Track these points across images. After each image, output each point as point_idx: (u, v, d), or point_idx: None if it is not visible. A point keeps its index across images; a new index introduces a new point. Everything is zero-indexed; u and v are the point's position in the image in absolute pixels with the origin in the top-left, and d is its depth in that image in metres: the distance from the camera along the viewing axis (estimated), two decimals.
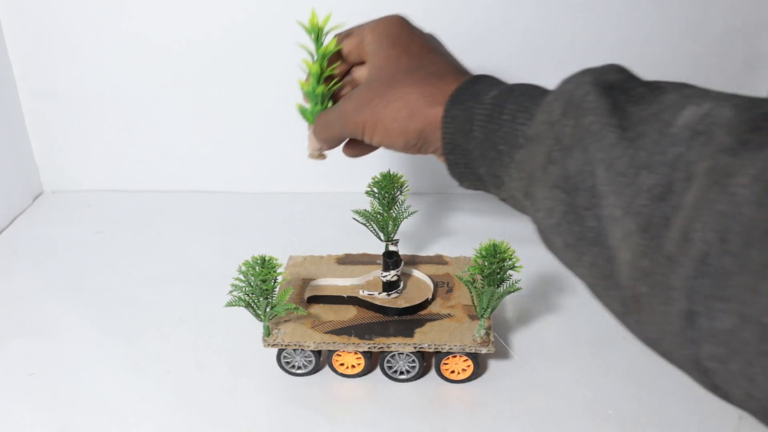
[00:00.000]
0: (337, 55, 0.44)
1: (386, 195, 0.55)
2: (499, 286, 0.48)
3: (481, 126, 0.34)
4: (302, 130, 0.49)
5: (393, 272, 0.54)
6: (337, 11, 0.72)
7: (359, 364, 0.52)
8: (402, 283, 0.55)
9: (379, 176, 0.55)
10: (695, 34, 0.74)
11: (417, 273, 0.58)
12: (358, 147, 0.46)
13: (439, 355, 0.51)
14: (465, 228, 0.74)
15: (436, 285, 0.57)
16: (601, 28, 0.73)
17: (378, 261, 0.59)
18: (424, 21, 0.73)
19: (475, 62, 0.75)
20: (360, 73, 0.46)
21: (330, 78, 0.44)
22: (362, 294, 0.54)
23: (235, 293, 0.48)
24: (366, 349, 0.50)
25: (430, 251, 0.67)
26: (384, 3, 0.72)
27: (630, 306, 0.27)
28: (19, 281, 0.65)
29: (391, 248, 0.56)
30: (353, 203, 0.60)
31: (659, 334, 0.26)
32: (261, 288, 0.47)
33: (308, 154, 0.47)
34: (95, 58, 0.75)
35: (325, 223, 0.75)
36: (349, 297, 0.54)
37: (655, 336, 0.27)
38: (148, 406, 0.50)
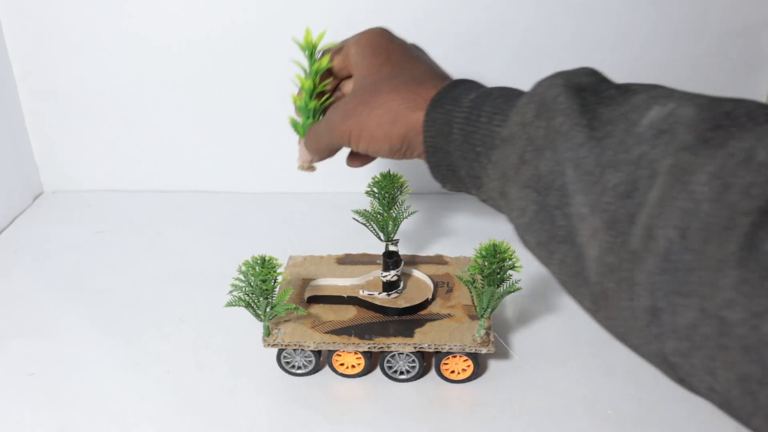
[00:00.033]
0: (329, 72, 0.46)
1: (386, 195, 0.55)
2: (499, 286, 0.48)
3: (460, 128, 0.35)
4: None
5: (393, 272, 0.54)
6: (337, 11, 0.72)
7: (359, 364, 0.52)
8: (402, 283, 0.55)
9: (379, 176, 0.55)
10: (695, 34, 0.74)
11: (417, 273, 0.58)
12: (360, 158, 0.48)
13: (439, 355, 0.51)
14: (465, 228, 0.74)
15: (436, 285, 0.57)
16: (601, 28, 0.73)
17: (378, 261, 0.59)
18: (424, 21, 0.73)
19: (475, 62, 0.75)
20: (348, 86, 0.47)
21: (321, 93, 0.46)
22: (362, 294, 0.54)
23: (235, 293, 0.48)
24: (366, 349, 0.50)
25: (430, 251, 0.67)
26: (384, 5, 0.72)
27: (599, 302, 0.28)
28: (19, 281, 0.65)
29: (391, 248, 0.56)
30: (353, 203, 0.60)
31: (627, 329, 0.27)
32: (261, 288, 0.47)
33: (298, 166, 0.49)
34: (95, 58, 0.75)
35: (325, 223, 0.75)
36: (349, 297, 0.54)
37: (624, 331, 0.27)
38: (148, 406, 0.50)
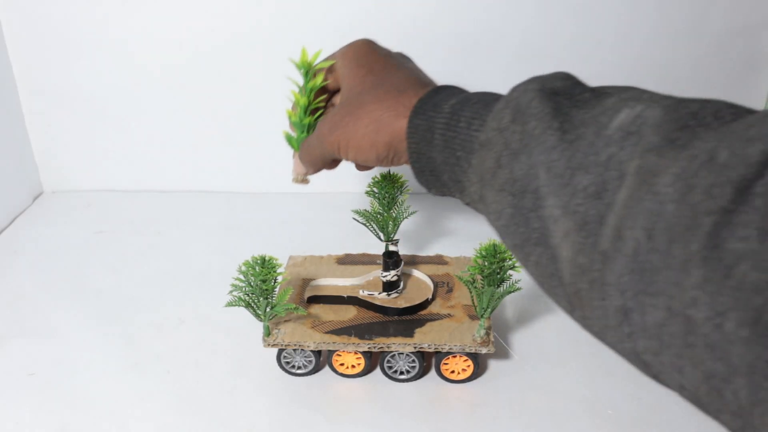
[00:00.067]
0: (323, 88, 0.46)
1: (386, 195, 0.55)
2: (499, 286, 0.48)
3: (441, 134, 0.36)
4: None
5: (393, 272, 0.54)
6: (338, 11, 0.72)
7: (359, 364, 0.52)
8: (402, 283, 0.55)
9: (379, 176, 0.55)
10: (695, 34, 0.74)
11: (417, 273, 0.58)
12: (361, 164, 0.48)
13: (439, 355, 0.51)
14: (465, 228, 0.74)
15: (436, 285, 0.57)
16: (601, 28, 0.73)
17: (378, 261, 0.59)
18: (424, 22, 0.73)
19: (475, 62, 0.75)
20: (338, 99, 0.48)
21: (316, 109, 0.46)
22: (362, 294, 0.54)
23: (235, 293, 0.48)
24: (366, 349, 0.50)
25: (430, 251, 0.67)
26: (385, 6, 0.72)
27: (574, 302, 0.29)
28: (19, 281, 0.65)
29: (391, 248, 0.56)
30: (353, 203, 0.60)
31: (601, 328, 0.27)
32: (261, 288, 0.47)
33: (292, 178, 0.49)
34: (95, 59, 0.75)
35: (325, 223, 0.75)
36: (349, 297, 0.54)
37: (599, 330, 0.28)
38: (148, 406, 0.50)
